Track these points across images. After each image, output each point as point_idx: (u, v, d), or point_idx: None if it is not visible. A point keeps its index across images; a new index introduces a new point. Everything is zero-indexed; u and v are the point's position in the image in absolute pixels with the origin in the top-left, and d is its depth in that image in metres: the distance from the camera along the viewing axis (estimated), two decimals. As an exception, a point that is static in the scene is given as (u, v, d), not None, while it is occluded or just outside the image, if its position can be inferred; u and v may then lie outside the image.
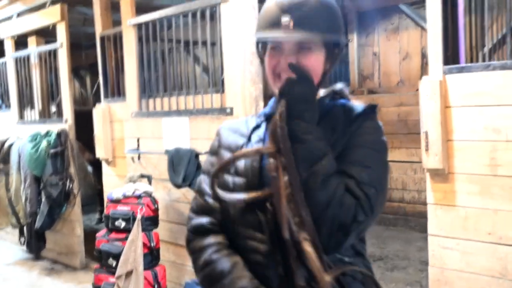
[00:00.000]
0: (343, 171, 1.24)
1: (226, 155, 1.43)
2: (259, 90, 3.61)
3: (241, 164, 1.36)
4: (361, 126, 1.35)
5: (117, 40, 4.63)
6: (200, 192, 1.47)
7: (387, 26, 6.40)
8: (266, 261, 1.28)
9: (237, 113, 3.53)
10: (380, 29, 6.45)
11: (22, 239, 5.64)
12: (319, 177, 1.19)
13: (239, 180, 1.35)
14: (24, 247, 5.69)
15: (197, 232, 1.43)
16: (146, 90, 4.37)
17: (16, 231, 5.78)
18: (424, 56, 5.96)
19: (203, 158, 3.60)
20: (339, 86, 1.45)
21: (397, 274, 4.60)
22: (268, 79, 1.38)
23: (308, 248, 1.12)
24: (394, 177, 6.15)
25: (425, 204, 2.92)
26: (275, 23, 1.28)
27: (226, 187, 1.35)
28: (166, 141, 4.09)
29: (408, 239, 5.64)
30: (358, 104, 1.41)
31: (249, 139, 1.42)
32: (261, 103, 3.61)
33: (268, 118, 1.39)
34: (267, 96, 3.86)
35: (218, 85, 3.93)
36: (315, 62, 1.31)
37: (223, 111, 3.62)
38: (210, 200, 1.42)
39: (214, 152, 1.49)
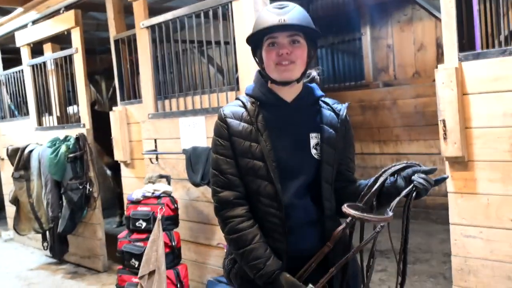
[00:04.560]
0: (346, 164, 1.88)
1: (240, 141, 1.77)
2: (274, 86, 3.61)
3: (256, 150, 1.76)
4: (349, 127, 1.88)
5: (131, 42, 4.67)
6: (220, 171, 1.81)
7: (401, 18, 6.34)
8: (281, 223, 1.76)
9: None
10: (394, 21, 6.40)
11: (45, 244, 5.71)
12: None
13: (258, 163, 1.75)
14: (48, 252, 5.77)
15: (224, 204, 1.80)
16: (162, 91, 4.40)
17: (39, 236, 5.86)
18: (439, 46, 5.89)
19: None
20: (314, 73, 1.89)
21: (420, 267, 4.56)
22: (267, 69, 1.78)
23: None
24: (413, 170, 6.09)
25: (445, 196, 2.88)
26: (272, 22, 1.70)
27: (247, 168, 1.77)
28: (184, 140, 4.12)
29: (430, 231, 5.58)
30: (334, 101, 1.90)
31: (256, 126, 1.77)
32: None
33: (262, 104, 1.81)
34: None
35: (232, 83, 3.94)
36: (303, 54, 1.76)
37: (239, 108, 3.61)
38: (232, 178, 1.79)
39: (226, 138, 1.80)
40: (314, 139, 1.79)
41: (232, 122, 1.79)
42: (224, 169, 1.79)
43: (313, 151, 1.78)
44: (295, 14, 1.71)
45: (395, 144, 6.33)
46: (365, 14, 6.55)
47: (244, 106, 1.81)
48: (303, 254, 1.77)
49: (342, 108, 1.86)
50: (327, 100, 1.89)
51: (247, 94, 1.86)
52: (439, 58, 5.90)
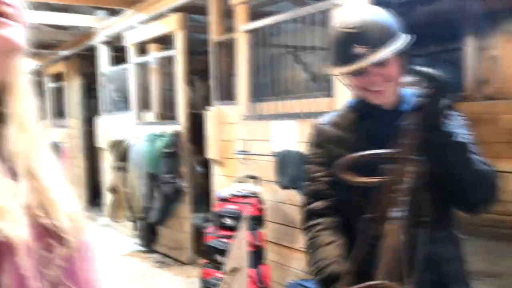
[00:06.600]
0: None
1: (333, 149, 1.69)
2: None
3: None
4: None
5: (230, 45, 4.82)
6: (312, 180, 1.74)
7: (509, 28, 5.98)
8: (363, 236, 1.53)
9: (345, 117, 3.51)
10: (500, 31, 6.05)
11: (136, 232, 6.04)
12: (472, 165, 1.51)
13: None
14: (138, 240, 6.10)
15: (311, 215, 1.72)
16: (256, 94, 4.50)
17: (131, 225, 6.21)
18: (550, 60, 5.49)
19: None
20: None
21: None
22: (359, 94, 1.65)
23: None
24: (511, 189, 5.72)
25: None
26: (351, 56, 1.53)
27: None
28: (274, 143, 4.18)
29: (526, 256, 5.21)
30: None
31: (351, 135, 1.67)
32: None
33: (360, 112, 1.69)
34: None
35: (326, 90, 3.94)
36: (394, 71, 1.57)
37: (332, 115, 3.62)
38: (322, 186, 1.70)
39: (318, 146, 1.75)
40: None
41: (326, 129, 1.74)
42: (315, 178, 1.73)
43: None
44: (372, 33, 1.51)
45: (494, 161, 5.98)
46: (470, 23, 6.25)
47: (342, 114, 1.75)
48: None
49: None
50: None
51: (347, 104, 1.78)
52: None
